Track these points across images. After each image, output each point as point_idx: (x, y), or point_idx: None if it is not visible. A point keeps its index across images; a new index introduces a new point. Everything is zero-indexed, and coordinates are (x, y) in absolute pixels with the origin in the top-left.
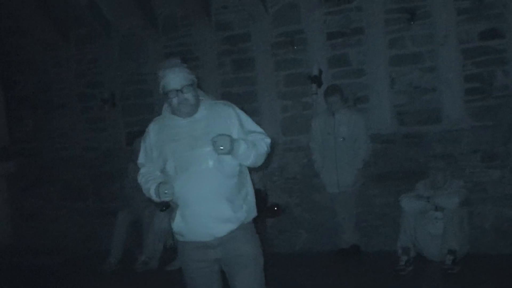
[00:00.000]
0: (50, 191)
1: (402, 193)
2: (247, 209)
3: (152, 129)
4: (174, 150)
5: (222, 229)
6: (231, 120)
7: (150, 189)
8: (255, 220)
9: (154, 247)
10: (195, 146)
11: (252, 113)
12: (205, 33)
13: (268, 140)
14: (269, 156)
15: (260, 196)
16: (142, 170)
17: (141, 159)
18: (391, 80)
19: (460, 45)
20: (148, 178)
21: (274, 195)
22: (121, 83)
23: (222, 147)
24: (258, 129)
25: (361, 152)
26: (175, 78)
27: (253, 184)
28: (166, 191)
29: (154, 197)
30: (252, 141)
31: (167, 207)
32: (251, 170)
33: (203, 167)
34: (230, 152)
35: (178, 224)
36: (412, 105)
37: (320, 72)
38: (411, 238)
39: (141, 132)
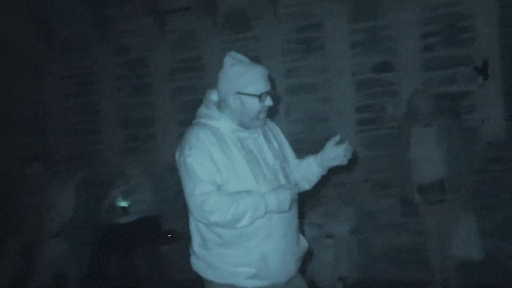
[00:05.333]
0: None
1: None
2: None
3: (209, 141)
4: (254, 165)
5: (297, 265)
6: (284, 140)
7: (259, 206)
8: (152, 247)
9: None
10: (277, 162)
11: (150, 139)
12: (103, 56)
13: None
14: (166, 181)
15: (154, 223)
16: (214, 191)
17: (205, 175)
18: (287, 109)
19: (354, 76)
20: (235, 197)
21: (170, 221)
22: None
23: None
24: None
25: None
26: (264, 77)
27: (148, 211)
28: (294, 196)
29: (257, 214)
30: None
31: None
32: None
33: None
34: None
35: (265, 264)
36: (307, 134)
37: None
38: None
39: (36, 156)
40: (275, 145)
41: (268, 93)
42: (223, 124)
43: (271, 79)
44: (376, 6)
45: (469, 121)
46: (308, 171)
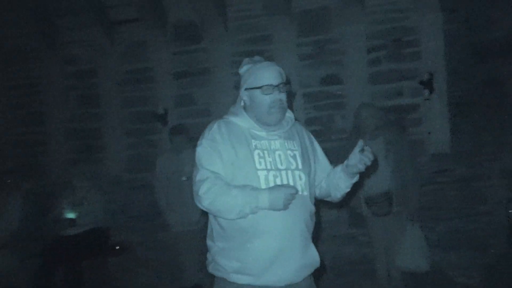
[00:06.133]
0: None
1: None
2: (316, 253)
3: (226, 132)
4: (266, 165)
5: (299, 274)
6: (317, 148)
7: (251, 197)
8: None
9: None
10: (289, 166)
11: (98, 150)
12: (51, 66)
13: None
14: (114, 193)
15: (102, 235)
16: (213, 180)
17: (208, 164)
18: None
19: (302, 89)
20: (229, 187)
21: (117, 233)
22: None
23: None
24: None
25: None
26: (272, 71)
27: (96, 223)
28: (289, 195)
29: (260, 206)
30: None
31: None
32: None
33: (298, 194)
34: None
35: (256, 259)
36: None
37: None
38: None
39: None
40: (298, 151)
41: (273, 86)
42: (242, 120)
43: (283, 75)
44: (324, 20)
45: (415, 134)
46: (335, 178)
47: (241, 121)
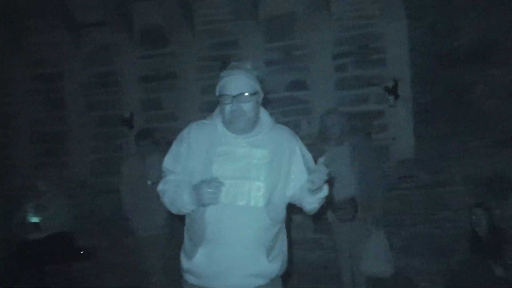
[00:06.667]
0: None
1: None
2: (282, 262)
3: (194, 135)
4: (222, 172)
5: (249, 283)
6: (296, 157)
7: (183, 193)
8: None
9: None
10: (248, 175)
11: (62, 154)
12: (15, 69)
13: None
14: (79, 197)
15: (67, 239)
16: (170, 177)
17: (168, 164)
18: None
19: (268, 94)
20: (180, 184)
21: (82, 238)
22: None
23: (317, 185)
24: None
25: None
26: (234, 81)
27: (60, 227)
28: (210, 190)
29: (188, 203)
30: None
31: None
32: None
33: (252, 204)
34: (316, 191)
35: (200, 263)
36: None
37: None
38: None
39: None
40: (265, 160)
41: (232, 96)
42: (217, 124)
43: (249, 85)
44: (291, 25)
45: (380, 140)
46: (302, 191)
47: (216, 124)
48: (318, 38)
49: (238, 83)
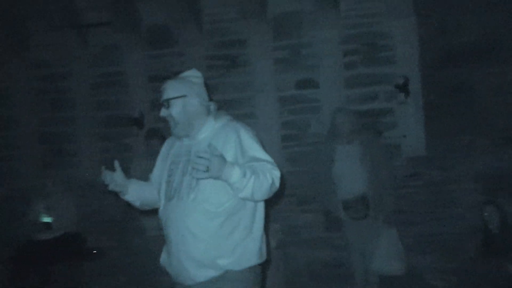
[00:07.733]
0: None
1: None
2: (239, 256)
3: (166, 144)
4: (170, 173)
5: (202, 274)
6: (230, 144)
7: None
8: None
9: None
10: (186, 172)
11: (70, 154)
12: (22, 70)
13: (277, 173)
14: (88, 197)
15: (76, 239)
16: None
17: (153, 172)
18: None
19: (278, 93)
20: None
21: (92, 238)
22: None
23: (203, 170)
24: (267, 158)
25: None
26: (164, 89)
27: (70, 227)
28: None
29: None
30: (252, 169)
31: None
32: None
33: (184, 199)
34: (216, 176)
35: (164, 260)
36: None
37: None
38: None
39: None
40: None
41: (160, 103)
42: None
43: (170, 91)
44: (299, 24)
45: (390, 138)
46: None
47: None
48: (326, 36)
49: (165, 90)
